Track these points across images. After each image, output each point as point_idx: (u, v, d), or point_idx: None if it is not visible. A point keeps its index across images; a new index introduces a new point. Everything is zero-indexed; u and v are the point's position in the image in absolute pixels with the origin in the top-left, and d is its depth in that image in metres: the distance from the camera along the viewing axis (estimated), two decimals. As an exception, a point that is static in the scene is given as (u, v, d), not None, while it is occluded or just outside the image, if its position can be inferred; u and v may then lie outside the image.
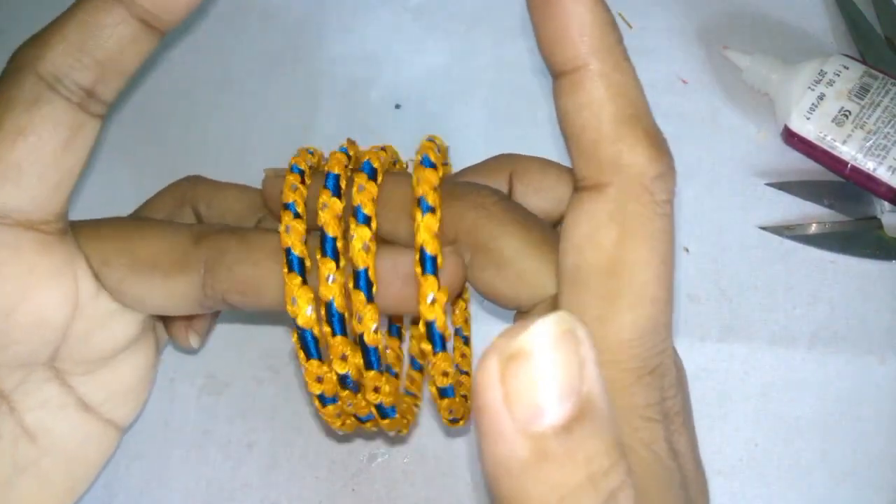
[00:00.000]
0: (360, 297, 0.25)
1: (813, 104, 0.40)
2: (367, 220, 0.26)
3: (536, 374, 0.16)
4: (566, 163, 0.25)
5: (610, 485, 0.18)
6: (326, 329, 0.26)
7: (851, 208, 0.41)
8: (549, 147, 0.43)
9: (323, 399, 0.28)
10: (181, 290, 0.28)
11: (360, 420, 0.29)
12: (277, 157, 0.43)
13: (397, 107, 0.44)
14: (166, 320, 0.34)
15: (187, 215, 0.34)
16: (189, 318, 0.34)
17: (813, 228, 0.41)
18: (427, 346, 0.25)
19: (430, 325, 0.25)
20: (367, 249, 0.26)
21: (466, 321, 0.34)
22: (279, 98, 0.42)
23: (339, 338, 0.26)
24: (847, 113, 0.40)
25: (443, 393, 0.26)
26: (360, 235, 0.26)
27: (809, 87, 0.40)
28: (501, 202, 0.26)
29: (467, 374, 0.31)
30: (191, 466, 0.38)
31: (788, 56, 0.43)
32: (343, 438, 0.38)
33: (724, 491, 0.37)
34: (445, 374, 0.26)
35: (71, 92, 0.26)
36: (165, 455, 0.38)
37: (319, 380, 0.27)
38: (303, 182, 0.28)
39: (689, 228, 0.41)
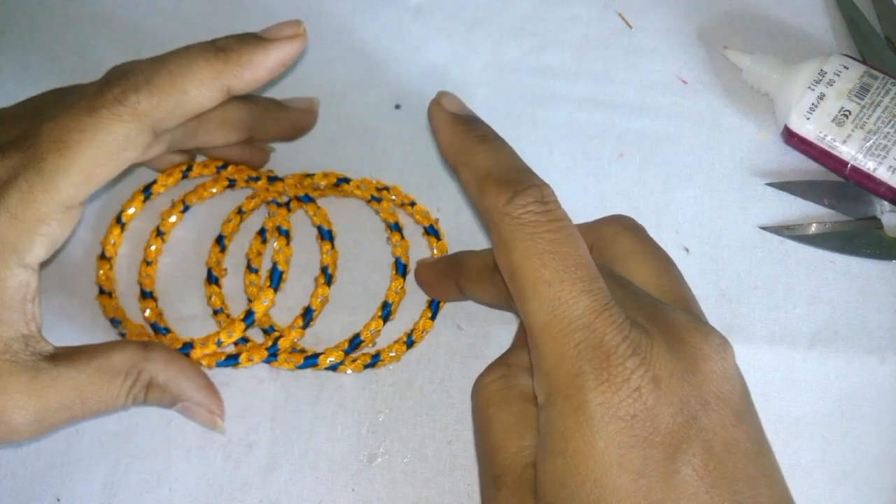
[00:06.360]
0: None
1: (813, 104, 0.40)
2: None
3: None
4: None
5: None
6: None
7: (851, 208, 0.41)
8: (548, 146, 0.43)
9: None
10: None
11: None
12: (277, 156, 0.43)
13: (397, 107, 0.44)
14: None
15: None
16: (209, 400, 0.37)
17: (813, 228, 0.41)
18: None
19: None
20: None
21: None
22: (279, 98, 0.42)
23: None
24: (847, 113, 0.40)
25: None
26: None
27: (809, 87, 0.40)
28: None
29: None
30: (191, 466, 0.38)
31: (788, 56, 0.43)
32: (343, 438, 0.38)
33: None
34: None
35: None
36: (165, 455, 0.38)
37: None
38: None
39: (689, 228, 0.41)
